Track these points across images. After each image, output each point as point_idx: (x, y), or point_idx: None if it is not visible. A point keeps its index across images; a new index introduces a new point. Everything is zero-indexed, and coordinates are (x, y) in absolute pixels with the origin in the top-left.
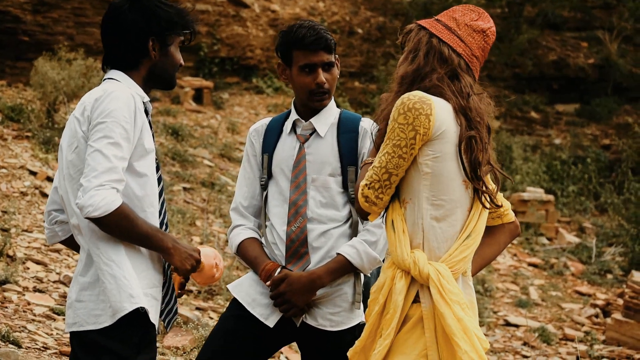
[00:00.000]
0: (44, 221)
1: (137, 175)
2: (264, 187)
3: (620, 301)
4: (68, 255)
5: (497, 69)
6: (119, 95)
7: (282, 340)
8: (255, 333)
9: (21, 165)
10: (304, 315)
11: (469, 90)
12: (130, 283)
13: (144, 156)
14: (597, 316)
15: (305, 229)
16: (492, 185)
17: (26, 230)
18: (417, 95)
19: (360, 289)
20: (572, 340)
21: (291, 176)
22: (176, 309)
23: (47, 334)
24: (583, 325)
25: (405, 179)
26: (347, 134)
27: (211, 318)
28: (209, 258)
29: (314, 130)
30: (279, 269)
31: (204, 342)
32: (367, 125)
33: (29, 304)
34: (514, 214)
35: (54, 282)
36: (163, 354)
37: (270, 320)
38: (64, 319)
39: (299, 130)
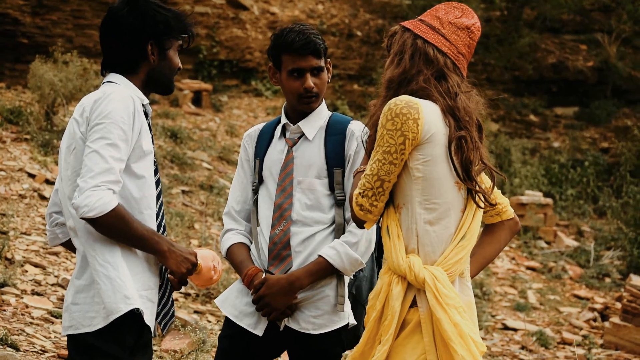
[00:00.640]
0: (43, 224)
1: (135, 177)
2: (255, 191)
3: (619, 305)
4: (66, 258)
5: (496, 72)
6: (117, 97)
7: (275, 349)
8: (249, 347)
9: (20, 167)
10: (286, 319)
11: (457, 89)
12: (126, 284)
13: (142, 158)
14: (595, 320)
15: (289, 231)
16: (485, 184)
17: (24, 233)
18: (403, 100)
19: (343, 291)
20: (570, 344)
21: (278, 179)
22: (173, 312)
23: (45, 337)
24: (581, 329)
25: (398, 184)
26: (334, 136)
27: (209, 321)
28: (206, 260)
29: (303, 134)
30: (262, 274)
31: (201, 346)
32: (354, 127)
33: (27, 307)
34: (512, 211)
35: (52, 285)
36: (161, 357)
37: (259, 329)
38: (62, 322)
39: (287, 134)
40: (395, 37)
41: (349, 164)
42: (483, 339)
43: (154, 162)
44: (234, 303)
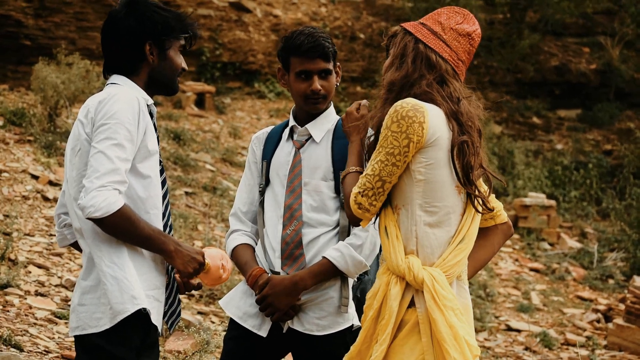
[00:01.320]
0: (47, 225)
1: (141, 177)
2: (262, 193)
3: (622, 306)
4: (70, 259)
5: (499, 74)
6: (122, 98)
7: (279, 351)
8: (253, 349)
9: (23, 169)
10: (290, 321)
11: (459, 94)
12: (132, 284)
13: (147, 158)
14: (598, 321)
15: (300, 231)
16: (484, 188)
17: (28, 234)
18: (410, 102)
19: (347, 293)
20: (574, 345)
21: (287, 181)
22: (179, 311)
23: (48, 337)
24: (585, 330)
25: (398, 186)
26: (341, 139)
27: (212, 322)
28: (215, 259)
29: (310, 136)
30: (266, 275)
31: (205, 347)
32: None
33: (30, 307)
34: (506, 215)
35: (56, 286)
36: (165, 358)
37: (263, 330)
38: (65, 323)
39: (295, 136)
40: (396, 38)
41: None
42: (487, 340)
43: (160, 162)
44: (238, 304)
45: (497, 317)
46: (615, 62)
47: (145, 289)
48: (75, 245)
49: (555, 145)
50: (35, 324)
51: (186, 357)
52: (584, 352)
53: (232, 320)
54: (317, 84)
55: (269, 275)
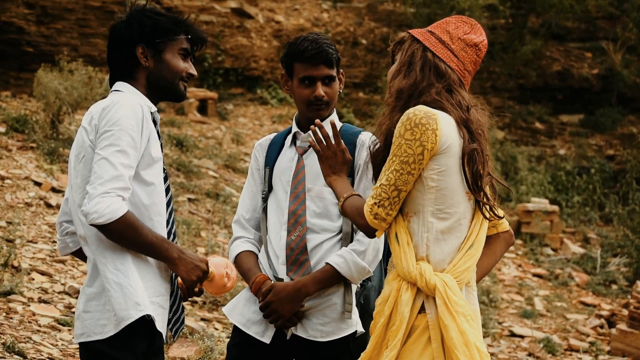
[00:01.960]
0: (50, 232)
1: (144, 184)
2: (264, 199)
3: (625, 312)
4: (73, 266)
5: (501, 79)
6: (126, 104)
7: (283, 357)
8: (257, 356)
9: (26, 176)
10: (293, 327)
11: (468, 102)
12: (137, 291)
13: (151, 165)
14: (602, 327)
15: (305, 237)
16: (491, 196)
17: (31, 241)
18: (422, 110)
19: (350, 299)
20: (577, 350)
21: (290, 187)
22: (183, 318)
23: (52, 344)
24: (588, 335)
25: (409, 193)
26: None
27: (216, 329)
28: (219, 267)
29: None
30: (269, 282)
31: (209, 354)
32: (365, 137)
33: (34, 314)
34: (507, 223)
35: (59, 292)
36: None
37: (266, 337)
38: (69, 330)
39: (298, 143)
40: (404, 45)
41: (359, 174)
42: (490, 346)
43: (164, 169)
44: (242, 311)
45: (500, 323)
46: (618, 67)
47: (149, 296)
48: (77, 254)
49: (558, 151)
50: (38, 331)
51: None
52: (587, 357)
53: (235, 327)
54: (321, 90)
55: (272, 282)
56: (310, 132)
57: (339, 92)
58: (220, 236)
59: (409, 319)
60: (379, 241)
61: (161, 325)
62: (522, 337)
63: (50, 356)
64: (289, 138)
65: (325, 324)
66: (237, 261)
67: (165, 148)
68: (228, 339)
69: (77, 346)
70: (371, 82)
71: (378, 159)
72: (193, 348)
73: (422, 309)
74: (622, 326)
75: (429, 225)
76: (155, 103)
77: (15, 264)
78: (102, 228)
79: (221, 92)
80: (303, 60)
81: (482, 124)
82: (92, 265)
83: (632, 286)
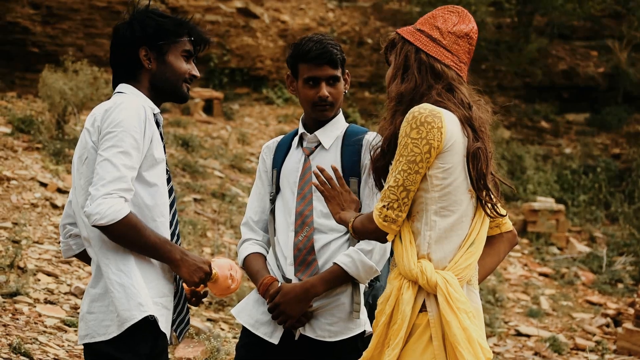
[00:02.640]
0: (55, 232)
1: (147, 185)
2: (272, 201)
3: (632, 311)
4: (79, 267)
5: (507, 78)
6: (128, 106)
7: (292, 358)
8: (266, 356)
9: (31, 176)
10: (302, 328)
11: (469, 100)
12: (139, 292)
13: (154, 166)
14: (608, 326)
15: (312, 237)
16: (494, 194)
17: (37, 242)
18: (427, 108)
19: (359, 298)
20: (583, 350)
21: (297, 188)
22: (188, 319)
23: (58, 345)
24: (594, 334)
25: None
26: (350, 146)
27: (222, 329)
28: (223, 269)
29: (320, 143)
30: (277, 283)
31: (215, 354)
32: (370, 137)
33: (40, 315)
34: (511, 224)
35: (65, 293)
36: None
37: (275, 337)
38: (75, 331)
39: (305, 144)
40: (396, 48)
41: (365, 174)
42: (496, 345)
43: (167, 170)
44: (251, 312)
45: (506, 322)
46: (624, 65)
47: (153, 297)
48: (81, 256)
49: (564, 150)
50: (44, 332)
51: None
52: (593, 357)
53: (244, 329)
54: (325, 90)
55: (280, 283)
56: (316, 132)
57: (345, 92)
58: (226, 236)
59: (410, 318)
60: None
61: (165, 326)
62: (528, 336)
63: (56, 357)
64: (296, 139)
65: (334, 323)
66: (246, 263)
67: (171, 148)
68: (234, 340)
69: (82, 347)
70: (377, 82)
71: (380, 163)
72: (199, 349)
73: (423, 308)
74: (629, 325)
75: (432, 224)
76: (158, 104)
77: (21, 265)
78: (105, 229)
79: (227, 92)
80: (307, 61)
81: (485, 121)
82: (96, 266)
83: (638, 285)
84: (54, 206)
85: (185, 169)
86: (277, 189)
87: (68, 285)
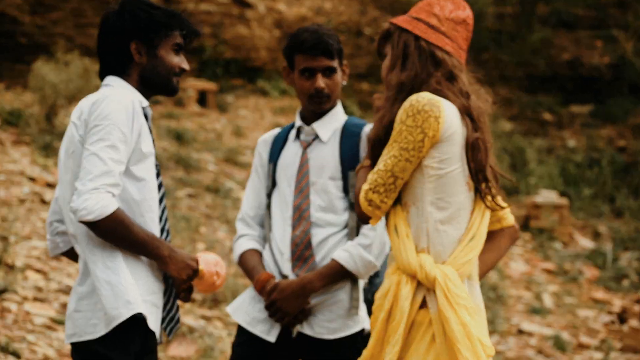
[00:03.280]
0: (44, 228)
1: (135, 180)
2: (269, 196)
3: (637, 307)
4: (68, 264)
5: (509, 68)
6: (116, 99)
7: (289, 356)
8: (263, 355)
9: (20, 171)
10: (300, 325)
11: (467, 88)
12: (127, 289)
13: (142, 160)
14: (613, 323)
15: (309, 232)
16: (494, 186)
17: (26, 238)
18: (426, 97)
19: (357, 295)
20: (588, 347)
21: (294, 181)
22: (178, 318)
23: (47, 344)
24: (599, 332)
25: (408, 182)
26: (349, 138)
27: (216, 327)
28: (209, 265)
29: (317, 136)
30: (274, 280)
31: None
32: (369, 130)
33: (28, 313)
34: (513, 218)
35: (55, 291)
36: None
37: (272, 335)
38: (65, 330)
39: (302, 136)
40: (392, 38)
41: None
42: (498, 343)
43: (156, 165)
44: (247, 310)
45: (508, 320)
46: (629, 55)
47: (142, 294)
48: (68, 254)
49: (568, 142)
50: (33, 330)
51: None
52: (598, 354)
53: (240, 327)
54: (321, 82)
55: (277, 280)
56: (313, 125)
57: (343, 83)
58: (220, 232)
59: (409, 314)
60: (385, 234)
61: (154, 324)
62: (531, 334)
63: (45, 356)
64: (293, 132)
65: (332, 320)
66: (242, 259)
67: (163, 141)
68: (229, 338)
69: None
70: (375, 73)
71: (375, 145)
72: (193, 347)
73: (424, 304)
74: (634, 322)
75: (428, 216)
76: (147, 97)
77: (10, 261)
78: (91, 225)
79: (221, 83)
80: (303, 52)
81: (483, 111)
82: (83, 263)
83: None
84: (43, 201)
85: (179, 162)
86: (274, 183)
87: (57, 282)
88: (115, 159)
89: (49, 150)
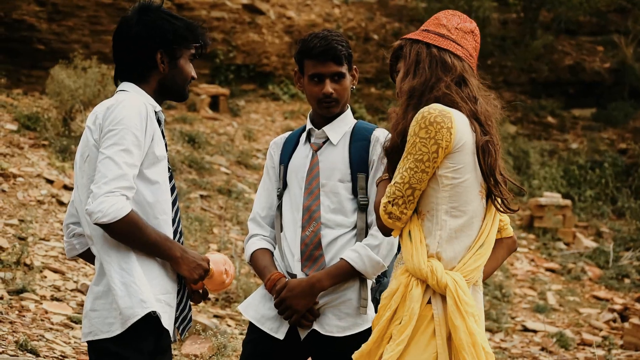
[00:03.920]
0: (62, 229)
1: (149, 183)
2: (279, 197)
3: (638, 305)
4: (85, 264)
5: (513, 74)
6: (130, 104)
7: (298, 354)
8: (272, 352)
9: (38, 173)
10: (309, 324)
11: (476, 93)
12: (141, 289)
13: (155, 164)
14: (614, 321)
15: (319, 232)
16: (506, 190)
17: (43, 239)
18: (437, 108)
19: (366, 294)
20: (590, 345)
21: (305, 183)
22: (190, 317)
23: (64, 342)
24: (601, 330)
25: (424, 192)
26: (358, 142)
27: (229, 325)
28: (218, 265)
29: (327, 139)
30: (284, 279)
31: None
32: (379, 134)
33: (46, 312)
34: (512, 229)
35: (72, 290)
36: None
37: (280, 333)
38: (81, 328)
39: (312, 139)
40: (404, 51)
41: (373, 170)
42: (502, 340)
43: (169, 168)
44: (257, 308)
45: (513, 318)
46: (629, 60)
47: (155, 294)
48: (84, 256)
49: (570, 145)
50: (51, 328)
51: None
52: (600, 352)
53: (250, 324)
54: (329, 87)
55: (287, 279)
56: (324, 128)
57: (352, 88)
58: (233, 232)
59: (417, 315)
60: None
61: (168, 322)
62: (535, 331)
63: (63, 354)
64: (304, 135)
65: (342, 319)
66: (253, 259)
67: (176, 145)
68: (241, 336)
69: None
70: (383, 78)
71: (390, 156)
72: (206, 345)
73: (428, 301)
74: (635, 320)
75: (443, 224)
76: (159, 103)
77: (28, 262)
78: (106, 227)
79: (233, 88)
80: (312, 57)
81: (491, 115)
82: (99, 264)
83: None
84: (60, 203)
85: (192, 165)
86: (285, 185)
87: (74, 282)
88: (129, 162)
89: (66, 153)
